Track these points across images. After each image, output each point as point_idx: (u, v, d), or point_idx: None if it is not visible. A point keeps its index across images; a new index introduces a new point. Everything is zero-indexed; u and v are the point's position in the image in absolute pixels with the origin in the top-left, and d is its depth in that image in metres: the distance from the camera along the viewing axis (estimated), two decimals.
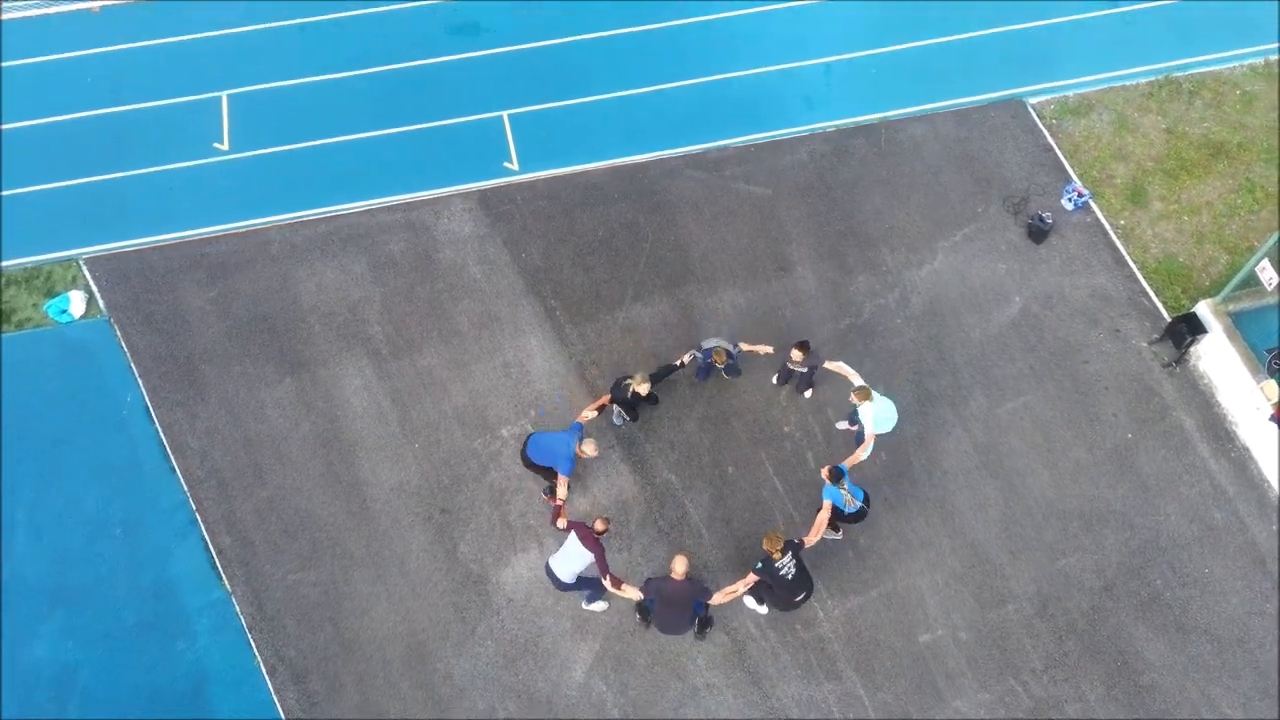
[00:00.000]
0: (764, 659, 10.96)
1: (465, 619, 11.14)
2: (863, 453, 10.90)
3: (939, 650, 11.02)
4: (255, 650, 10.97)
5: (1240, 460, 12.11)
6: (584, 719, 10.66)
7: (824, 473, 10.53)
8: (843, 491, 10.48)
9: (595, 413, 11.34)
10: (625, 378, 11.51)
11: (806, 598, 10.24)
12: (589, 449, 10.72)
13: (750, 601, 11.12)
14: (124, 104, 14.62)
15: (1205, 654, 11.01)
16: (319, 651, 10.97)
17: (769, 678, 10.88)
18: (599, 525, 10.09)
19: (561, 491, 10.65)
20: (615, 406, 12.10)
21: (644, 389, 11.29)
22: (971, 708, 10.73)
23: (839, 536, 11.50)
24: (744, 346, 11.76)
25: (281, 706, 10.70)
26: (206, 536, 11.57)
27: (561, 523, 10.48)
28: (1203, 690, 10.83)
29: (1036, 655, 11.00)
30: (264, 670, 10.87)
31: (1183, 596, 11.32)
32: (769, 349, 11.77)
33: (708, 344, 11.72)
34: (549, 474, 10.99)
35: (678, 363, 11.72)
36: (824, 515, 10.43)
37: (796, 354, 11.41)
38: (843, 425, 12.21)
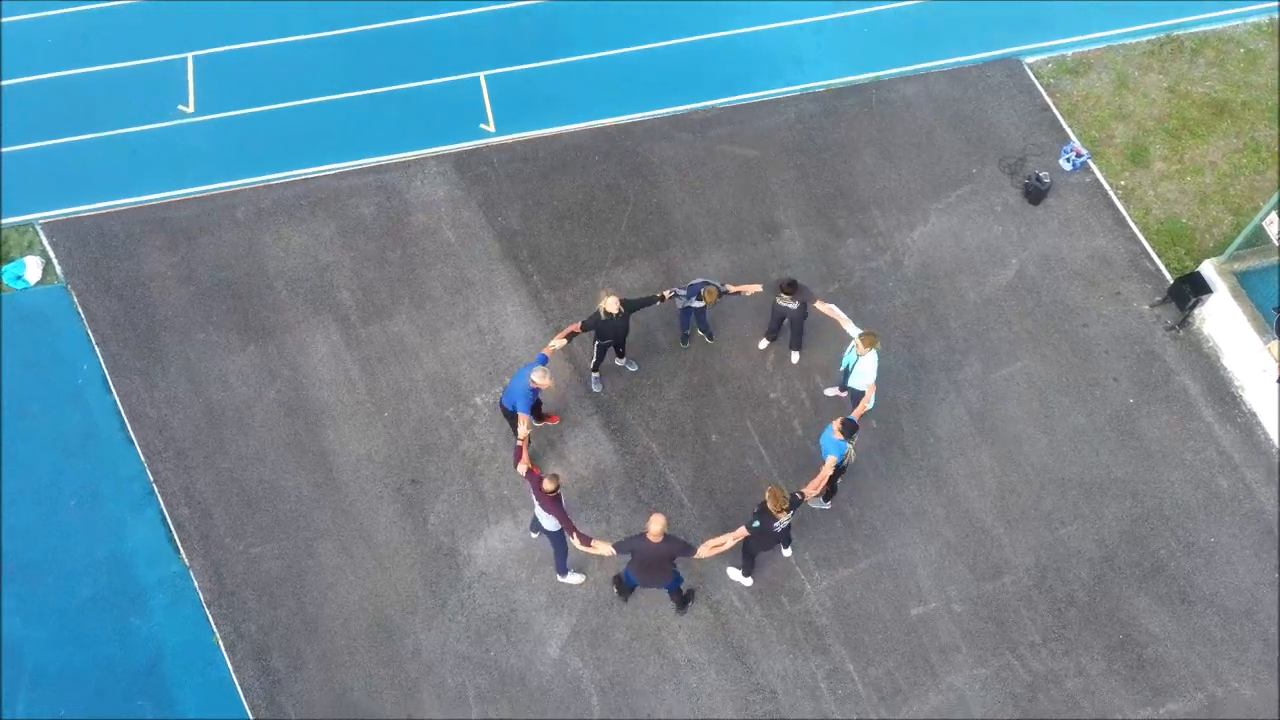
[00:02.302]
0: (748, 633, 10.44)
1: (435, 593, 10.62)
2: (868, 403, 10.34)
3: (932, 623, 10.50)
4: (214, 626, 10.45)
5: (1247, 425, 11.59)
6: (558, 696, 10.15)
7: (835, 426, 9.87)
8: (850, 446, 9.93)
9: (564, 341, 10.66)
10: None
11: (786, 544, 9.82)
12: (538, 377, 10.00)
13: (735, 574, 10.61)
14: (85, 65, 14.07)
15: (1211, 626, 10.49)
16: (280, 627, 10.44)
17: (753, 653, 10.36)
18: (546, 484, 9.38)
19: (521, 430, 10.04)
20: (594, 374, 11.61)
21: (613, 305, 10.49)
22: (966, 683, 10.21)
23: (828, 506, 10.99)
24: (730, 287, 11.17)
25: (240, 684, 10.17)
26: (164, 508, 11.03)
27: (521, 467, 9.87)
28: (1209, 663, 10.31)
29: (1035, 628, 10.48)
30: (222, 647, 10.35)
31: (1187, 566, 10.80)
32: (757, 287, 11.15)
33: (695, 281, 11.12)
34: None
35: (659, 296, 11.09)
36: (827, 470, 9.87)
37: (784, 294, 10.86)
38: (831, 391, 11.69)
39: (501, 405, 10.58)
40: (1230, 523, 11.01)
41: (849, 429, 9.77)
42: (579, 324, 10.80)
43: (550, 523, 9.77)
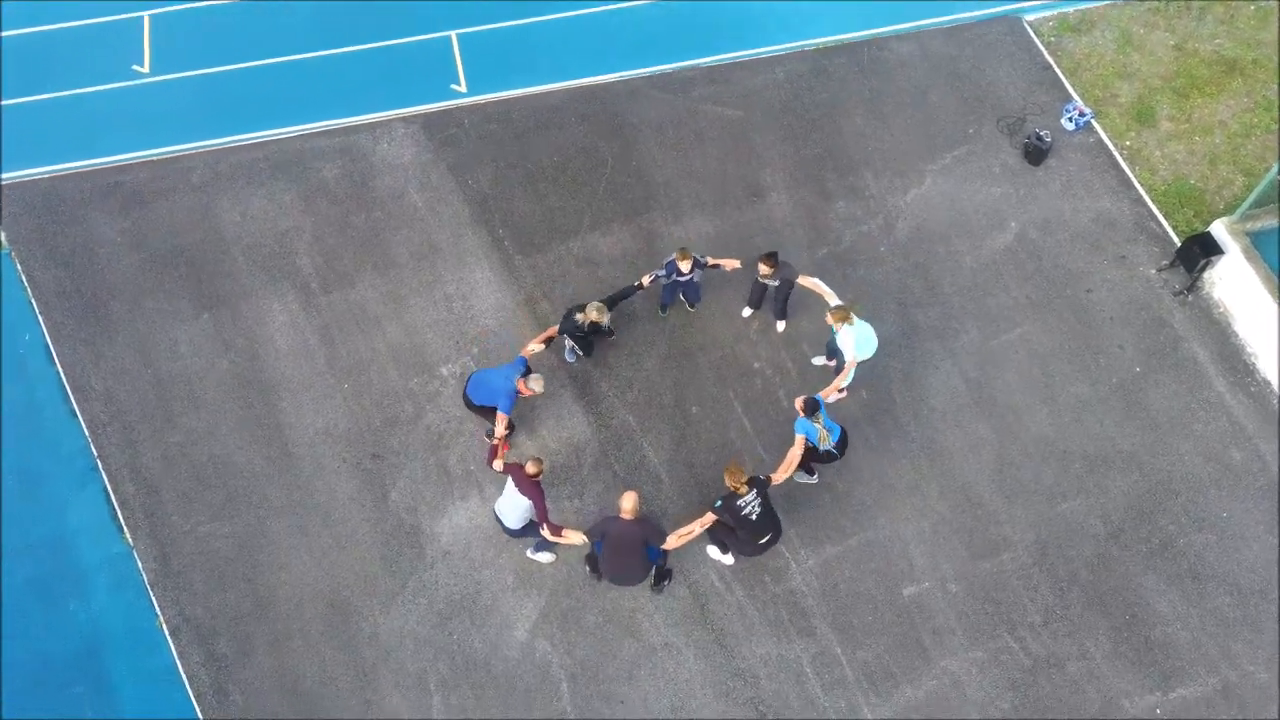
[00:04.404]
0: (729, 615, 9.78)
1: (395, 573, 9.95)
2: (842, 380, 9.70)
3: (925, 604, 9.83)
4: (158, 609, 9.79)
5: (1260, 395, 10.91)
6: (525, 682, 9.49)
7: (798, 404, 9.34)
8: (817, 425, 9.29)
9: (542, 345, 10.19)
10: (577, 307, 10.34)
11: (773, 540, 9.09)
12: (535, 385, 9.53)
13: (714, 552, 9.94)
14: (37, 24, 13.37)
15: (1224, 605, 9.82)
16: (229, 610, 9.79)
17: (735, 636, 9.69)
18: (530, 467, 8.87)
19: (499, 430, 9.48)
20: (567, 340, 10.93)
21: (600, 317, 10.10)
22: (962, 667, 9.55)
23: (814, 480, 10.32)
24: (710, 260, 10.54)
25: (185, 671, 9.52)
26: (108, 485, 10.38)
27: (498, 464, 9.34)
28: (1222, 645, 9.64)
29: (1035, 608, 9.82)
30: (166, 631, 9.69)
31: (1198, 543, 10.13)
32: (736, 263, 10.54)
33: (669, 259, 10.49)
34: (491, 415, 9.81)
35: (637, 284, 10.51)
36: (795, 451, 9.26)
37: (764, 267, 10.21)
38: (819, 361, 11.01)
39: (467, 399, 9.85)
40: (1243, 496, 10.34)
41: (810, 406, 9.13)
42: (556, 329, 10.34)
43: (514, 519, 9.11)
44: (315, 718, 9.37)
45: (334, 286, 11.55)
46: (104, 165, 12.33)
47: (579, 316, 10.20)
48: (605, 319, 10.16)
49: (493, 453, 9.49)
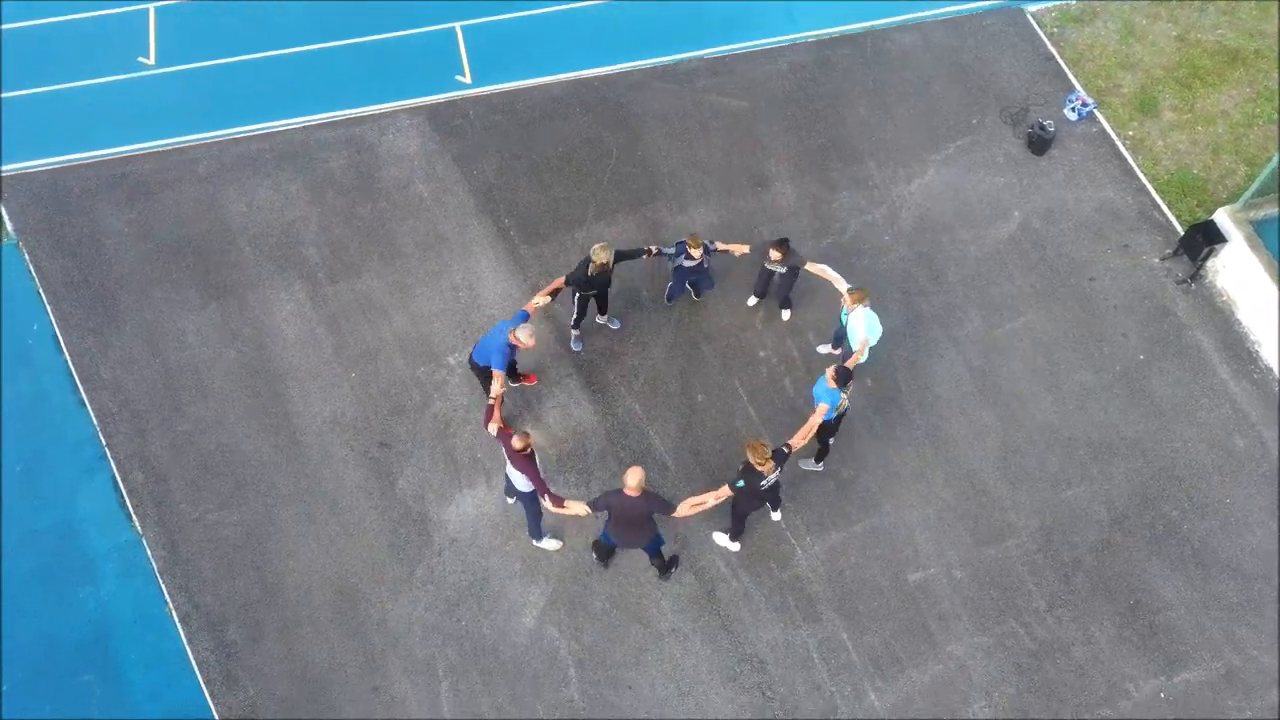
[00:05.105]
0: (736, 601, 9.83)
1: (403, 560, 10.00)
2: (859, 359, 9.71)
3: (931, 589, 9.88)
4: (167, 596, 9.81)
5: (1264, 382, 10.96)
6: (533, 668, 9.53)
7: (829, 373, 9.23)
8: (844, 397, 9.30)
9: (548, 298, 10.13)
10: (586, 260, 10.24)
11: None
12: (523, 335, 9.43)
13: (721, 539, 10.00)
14: (42, 17, 13.40)
15: (1228, 591, 9.88)
16: (238, 597, 9.82)
17: (741, 621, 9.74)
18: (516, 442, 8.76)
19: (495, 388, 9.42)
20: (573, 331, 10.98)
21: (606, 257, 9.97)
22: (967, 651, 9.60)
23: (819, 468, 10.36)
24: (719, 245, 10.57)
25: (194, 657, 9.54)
26: (116, 474, 10.40)
27: (492, 427, 9.25)
28: (1226, 630, 9.70)
29: (1040, 594, 9.87)
30: (176, 618, 9.72)
31: (1202, 529, 10.18)
32: (745, 248, 10.56)
33: (680, 241, 10.52)
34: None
35: (646, 249, 10.57)
36: (816, 418, 9.26)
37: (775, 254, 10.25)
38: (824, 349, 11.06)
39: (472, 361, 9.95)
40: (1247, 483, 10.39)
41: (843, 377, 9.13)
42: (563, 279, 10.24)
43: (523, 484, 9.16)
44: (325, 705, 9.41)
45: (340, 276, 11.58)
46: (110, 156, 12.36)
47: (592, 259, 10.04)
48: (607, 255, 9.99)
49: (489, 413, 9.40)
